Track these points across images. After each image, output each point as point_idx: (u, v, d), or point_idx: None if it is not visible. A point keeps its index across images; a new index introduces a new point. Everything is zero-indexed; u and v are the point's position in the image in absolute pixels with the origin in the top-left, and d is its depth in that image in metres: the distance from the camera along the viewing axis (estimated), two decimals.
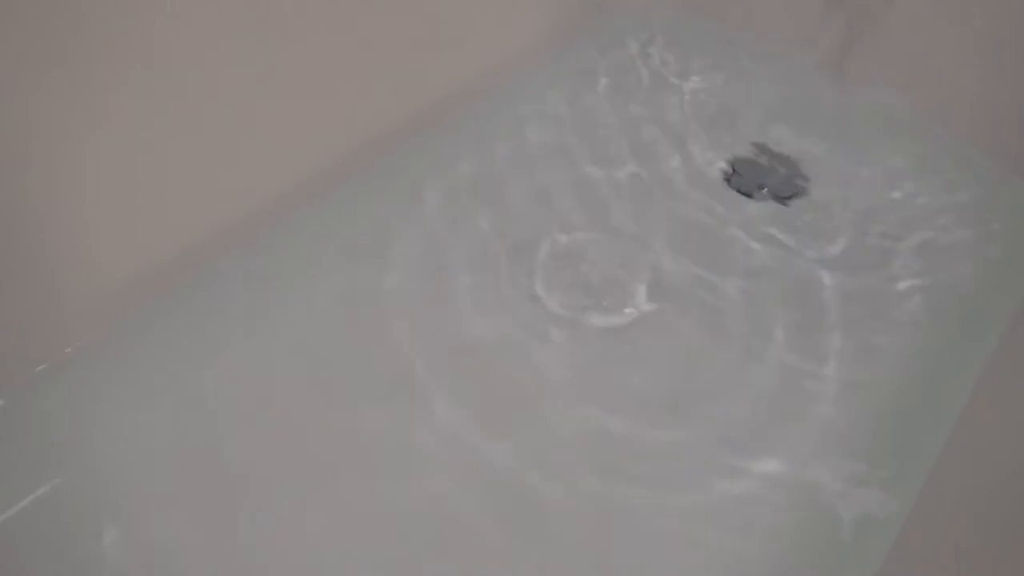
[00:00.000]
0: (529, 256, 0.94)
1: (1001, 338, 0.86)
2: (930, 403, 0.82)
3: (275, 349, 0.83)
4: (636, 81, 1.19)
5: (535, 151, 1.07)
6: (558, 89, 1.15)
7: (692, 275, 0.94)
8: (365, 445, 0.77)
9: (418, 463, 0.76)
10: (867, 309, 0.92)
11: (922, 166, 1.09)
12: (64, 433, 0.74)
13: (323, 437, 0.77)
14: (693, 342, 0.88)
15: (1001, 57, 1.05)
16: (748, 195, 1.04)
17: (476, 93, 1.08)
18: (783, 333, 0.88)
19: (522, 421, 0.79)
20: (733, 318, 0.90)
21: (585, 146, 1.08)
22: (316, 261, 0.90)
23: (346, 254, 0.91)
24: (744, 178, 1.06)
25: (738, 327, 0.89)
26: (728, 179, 1.06)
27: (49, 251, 0.73)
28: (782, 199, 1.04)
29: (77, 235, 0.75)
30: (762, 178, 1.06)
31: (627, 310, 0.90)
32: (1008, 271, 0.96)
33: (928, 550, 0.68)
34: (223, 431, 0.76)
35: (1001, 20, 1.04)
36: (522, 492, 0.74)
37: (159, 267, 0.82)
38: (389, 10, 0.93)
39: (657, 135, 1.10)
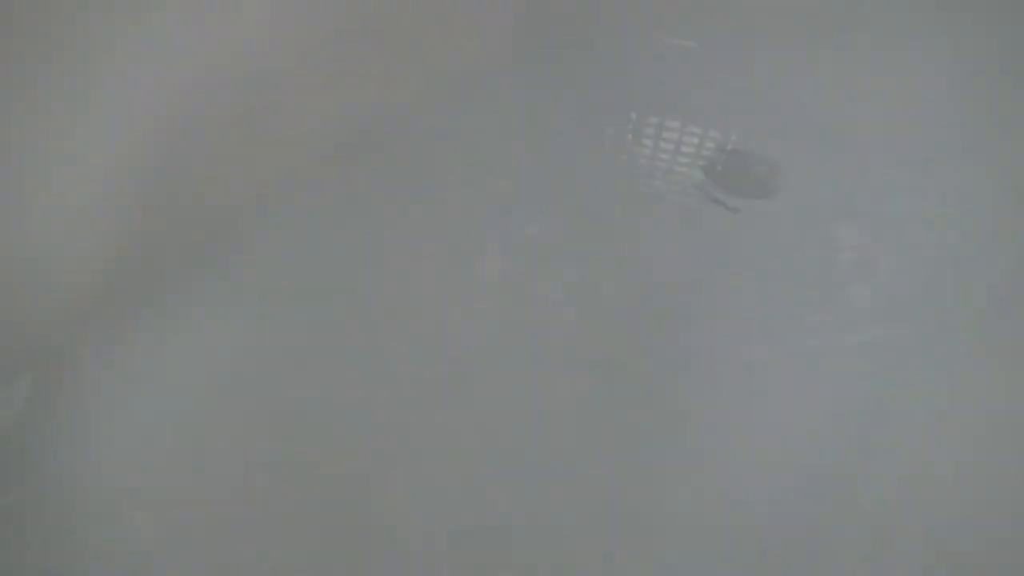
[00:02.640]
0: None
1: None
2: (889, 414, 0.82)
3: (274, 349, 0.82)
4: (613, 84, 1.18)
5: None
6: (528, 94, 1.13)
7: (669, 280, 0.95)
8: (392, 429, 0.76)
9: (458, 423, 0.77)
10: (825, 314, 0.92)
11: (910, 168, 1.08)
12: (59, 429, 0.73)
13: (331, 436, 0.76)
14: None
15: None
16: (728, 194, 1.04)
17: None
18: (723, 344, 0.89)
19: None
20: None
21: (560, 145, 1.07)
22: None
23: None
24: (723, 179, 1.06)
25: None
26: (707, 177, 1.07)
27: (42, 240, 0.73)
28: (758, 199, 1.04)
29: (71, 225, 0.74)
30: (741, 179, 1.07)
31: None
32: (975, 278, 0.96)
33: None
34: (221, 428, 0.76)
35: None
36: None
37: (157, 262, 0.82)
38: None
39: (636, 135, 1.10)
